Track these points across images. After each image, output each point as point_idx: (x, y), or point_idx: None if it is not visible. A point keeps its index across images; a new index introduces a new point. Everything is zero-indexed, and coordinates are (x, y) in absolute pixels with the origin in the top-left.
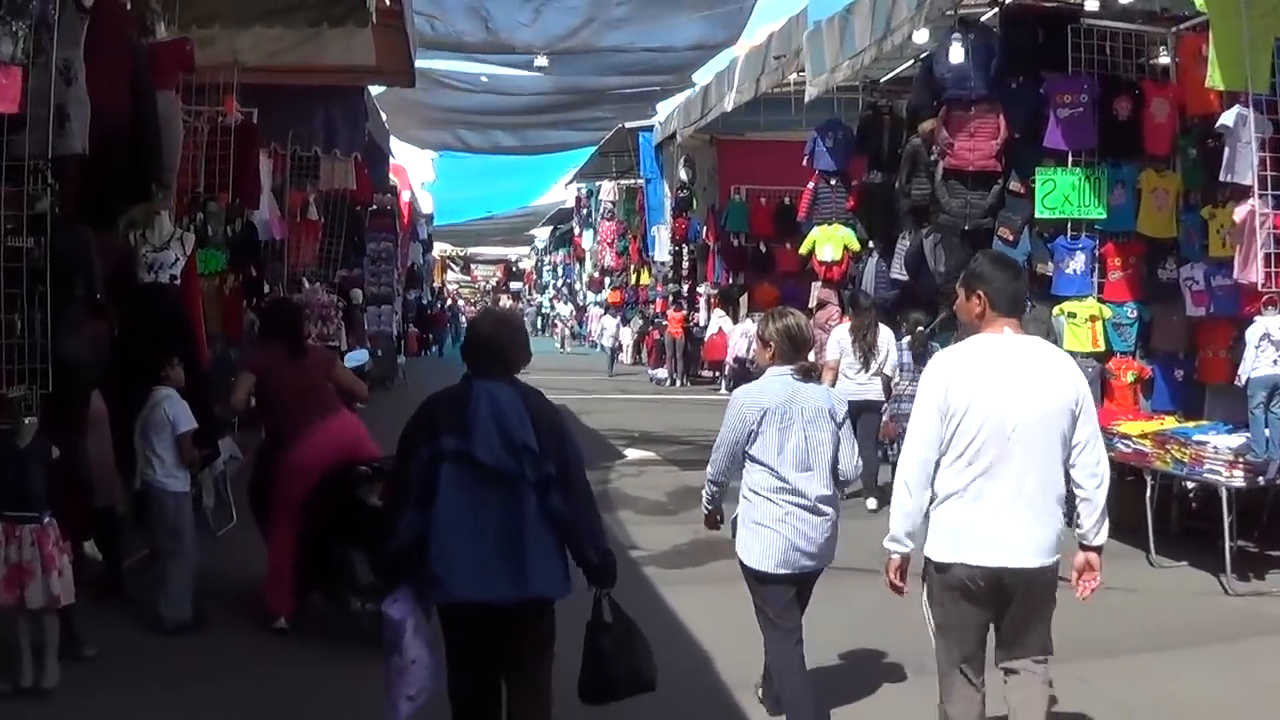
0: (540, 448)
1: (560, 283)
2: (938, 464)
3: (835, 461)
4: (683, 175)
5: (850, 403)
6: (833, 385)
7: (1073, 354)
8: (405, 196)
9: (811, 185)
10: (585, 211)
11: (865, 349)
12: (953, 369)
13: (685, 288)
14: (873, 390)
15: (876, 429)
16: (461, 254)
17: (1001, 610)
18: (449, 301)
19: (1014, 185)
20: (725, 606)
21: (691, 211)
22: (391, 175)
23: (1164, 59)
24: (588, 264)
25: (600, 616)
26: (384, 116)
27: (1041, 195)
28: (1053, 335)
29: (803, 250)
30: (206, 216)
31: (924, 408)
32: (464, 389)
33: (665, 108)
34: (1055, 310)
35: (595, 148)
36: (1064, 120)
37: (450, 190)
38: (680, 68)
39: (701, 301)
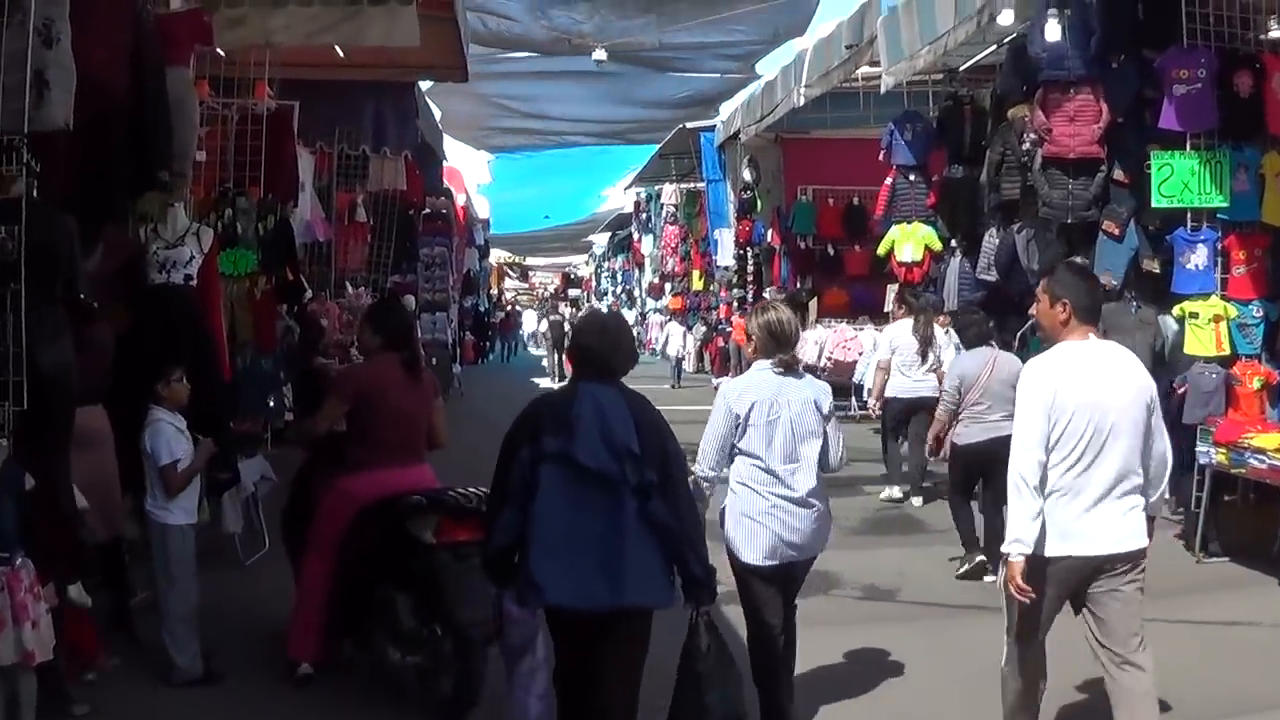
0: (643, 452)
1: (619, 289)
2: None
3: (823, 453)
4: (746, 176)
5: (903, 399)
6: (883, 385)
7: (1195, 359)
8: (460, 200)
9: (889, 181)
10: (645, 216)
11: (923, 345)
12: (1057, 373)
13: (750, 293)
14: (927, 387)
15: (927, 429)
16: (519, 261)
17: (1094, 598)
18: (510, 308)
19: (1118, 174)
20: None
21: (756, 213)
22: (445, 178)
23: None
24: (647, 269)
25: (696, 640)
26: (437, 115)
27: (1158, 182)
28: (1160, 338)
29: (881, 250)
30: (236, 213)
31: (1034, 410)
32: (570, 391)
33: (728, 107)
34: (1176, 310)
35: (656, 148)
36: (1180, 98)
37: (506, 193)
38: (744, 58)
39: (889, 305)
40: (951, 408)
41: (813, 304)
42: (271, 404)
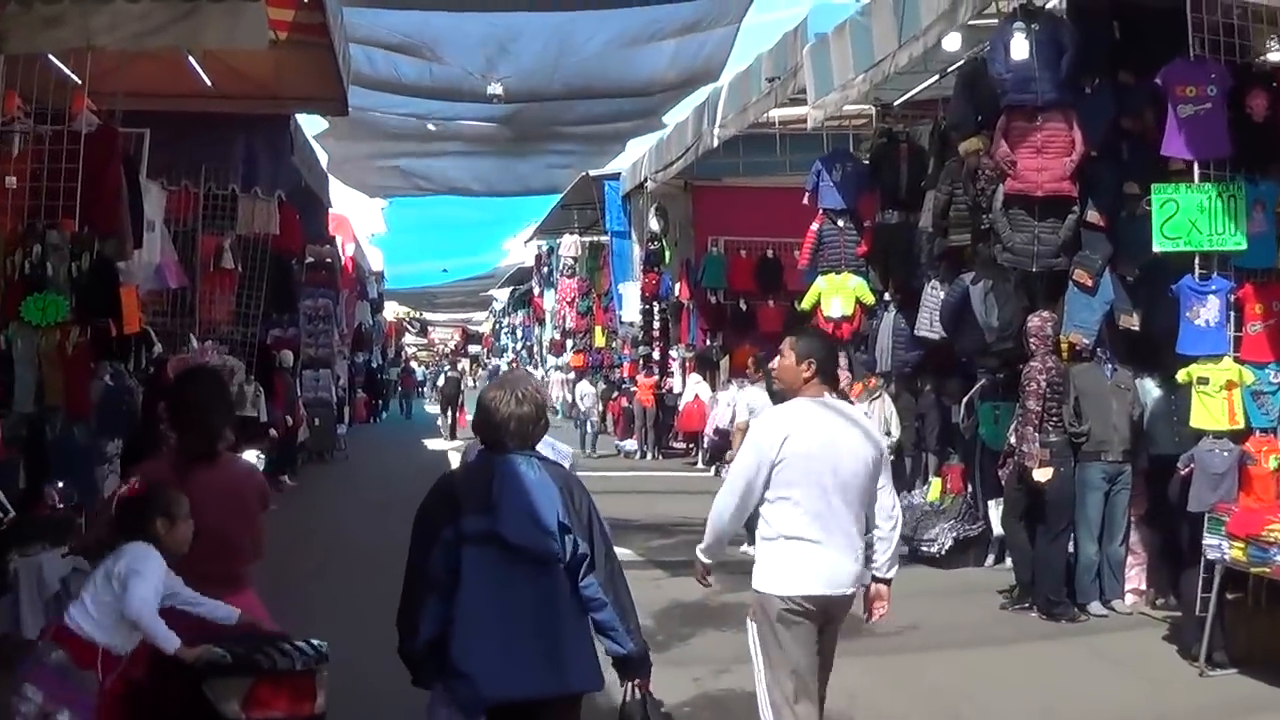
0: (572, 524)
1: (520, 345)
2: (763, 507)
3: None
4: (654, 226)
5: None
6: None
7: (1203, 433)
8: (349, 250)
9: (815, 227)
10: (546, 270)
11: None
12: (790, 424)
13: (656, 350)
14: None
15: None
16: (418, 316)
17: (821, 634)
18: (405, 364)
19: (1092, 215)
20: None
21: (663, 266)
22: (331, 226)
23: None
24: (548, 325)
25: (629, 712)
26: (324, 159)
27: (1160, 221)
28: (1138, 405)
29: (805, 304)
30: (45, 249)
31: (749, 455)
32: (484, 465)
33: (634, 152)
34: (1182, 375)
35: (558, 198)
36: (1187, 121)
37: (402, 244)
38: (651, 111)
39: (675, 365)
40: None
41: (724, 363)
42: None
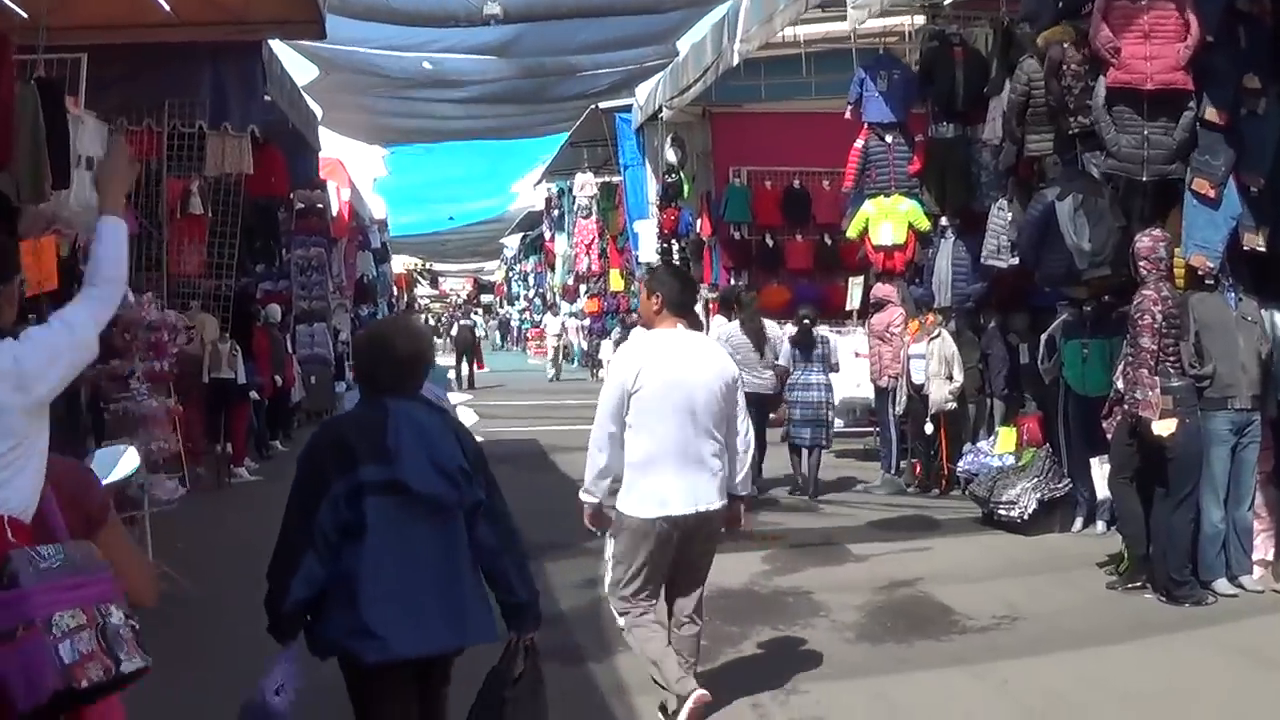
0: (472, 469)
1: (532, 293)
2: (625, 434)
3: None
4: (670, 157)
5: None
6: None
7: None
8: (344, 195)
9: (860, 143)
10: (557, 212)
11: (756, 341)
12: (643, 356)
13: None
14: (768, 385)
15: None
16: (428, 268)
17: (680, 550)
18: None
19: (1210, 113)
20: None
21: (682, 200)
22: (321, 170)
23: None
24: (559, 270)
25: (511, 665)
26: (317, 112)
27: None
28: (1266, 341)
29: (851, 232)
30: None
31: (613, 388)
32: (375, 410)
33: (647, 86)
34: None
35: (565, 136)
36: None
37: (406, 191)
38: (665, 35)
39: (697, 307)
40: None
41: (752, 302)
42: None
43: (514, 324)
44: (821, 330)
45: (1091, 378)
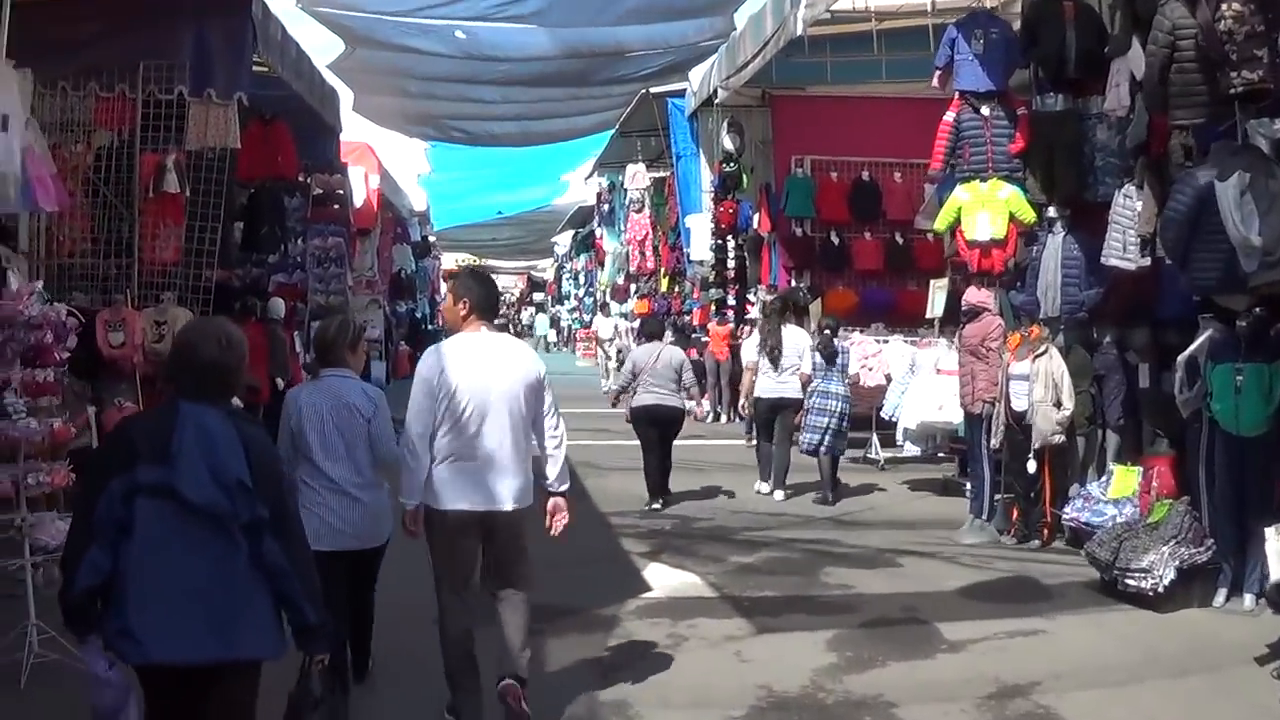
0: (255, 484)
1: (582, 292)
2: (434, 433)
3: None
4: (727, 144)
5: (767, 400)
6: (750, 386)
7: None
8: (373, 183)
9: (950, 116)
10: (607, 207)
11: (770, 350)
12: (448, 358)
13: (731, 294)
14: (790, 389)
15: (792, 426)
16: (479, 264)
17: (489, 545)
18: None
19: None
20: None
21: (740, 193)
22: (343, 154)
23: None
24: (608, 268)
25: (308, 686)
26: (345, 93)
27: None
28: None
29: (940, 224)
30: None
31: (420, 391)
32: (168, 413)
33: (701, 69)
34: None
35: (613, 131)
36: None
37: (452, 183)
38: (720, 3)
39: (754, 311)
40: (625, 382)
41: (815, 307)
42: None
43: (563, 323)
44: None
45: (1247, 412)
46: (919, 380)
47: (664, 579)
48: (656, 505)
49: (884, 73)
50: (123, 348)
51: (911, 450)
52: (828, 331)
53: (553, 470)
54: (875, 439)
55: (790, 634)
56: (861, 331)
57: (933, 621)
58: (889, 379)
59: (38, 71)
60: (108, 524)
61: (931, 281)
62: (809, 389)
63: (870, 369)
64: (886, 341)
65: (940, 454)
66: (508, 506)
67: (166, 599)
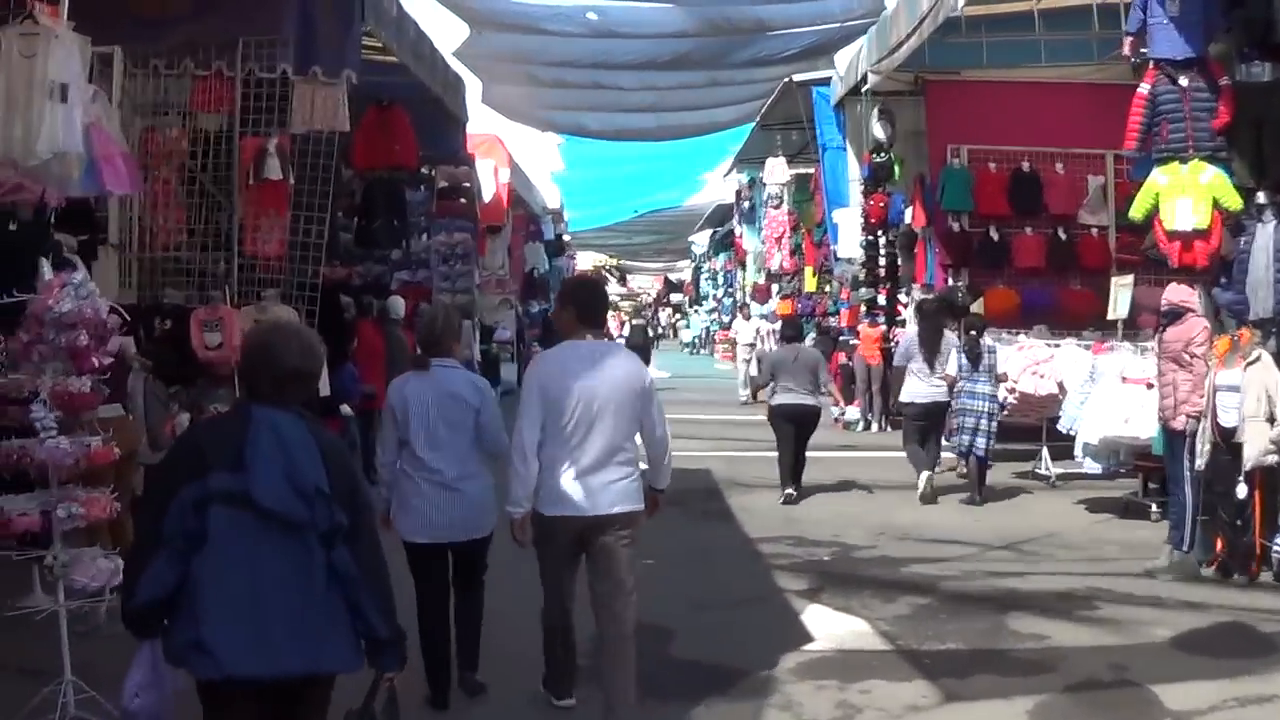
0: (333, 491)
1: (721, 293)
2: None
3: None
4: (878, 133)
5: (921, 403)
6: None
7: None
8: (503, 176)
9: (1145, 88)
10: (747, 205)
11: (930, 351)
12: (555, 365)
13: (882, 294)
14: (941, 392)
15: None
16: (616, 265)
17: (591, 550)
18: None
19: None
20: None
21: (891, 184)
22: (471, 147)
23: None
24: (749, 268)
25: (370, 706)
26: (473, 83)
27: None
28: None
29: (1136, 212)
30: None
31: (528, 398)
32: (240, 416)
33: (848, 52)
34: None
35: (753, 124)
36: None
37: (586, 181)
38: None
39: (907, 312)
40: (765, 381)
41: (977, 307)
42: None
43: (701, 326)
44: (986, 340)
45: None
46: (1101, 390)
47: (828, 626)
48: (791, 491)
49: (1043, 55)
50: (220, 349)
51: (1092, 468)
52: (973, 333)
53: (655, 473)
54: (1046, 453)
55: (984, 703)
56: (1027, 334)
57: (1147, 684)
58: (1061, 387)
59: (127, 48)
60: (177, 534)
61: (1113, 279)
62: (955, 390)
63: (1041, 376)
64: (1057, 346)
65: (1120, 470)
66: (610, 511)
67: (243, 611)
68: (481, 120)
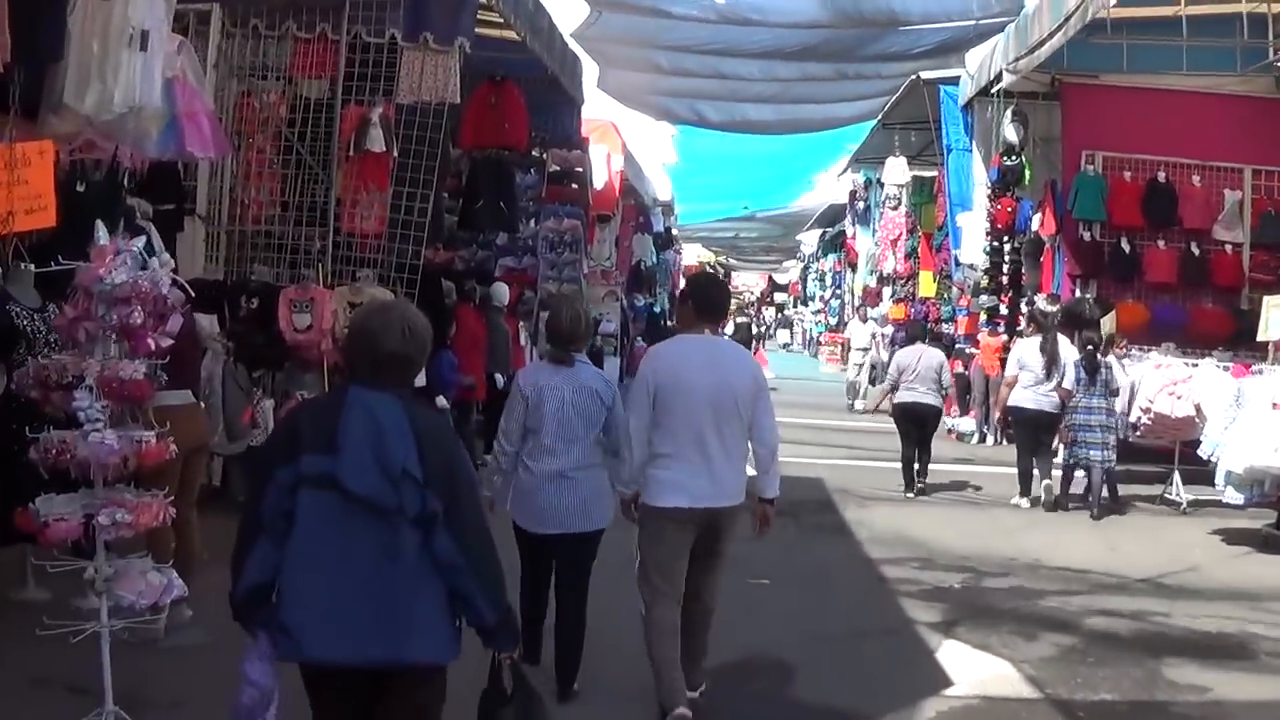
0: (425, 475)
1: (829, 294)
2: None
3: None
4: (1010, 135)
5: (1030, 411)
6: (1006, 397)
7: None
8: (616, 164)
9: None
10: (862, 205)
11: (1049, 363)
12: (672, 357)
13: (1004, 302)
14: (1049, 402)
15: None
16: (722, 262)
17: (700, 541)
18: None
19: None
20: None
21: (1021, 189)
22: (584, 130)
23: None
24: (860, 270)
25: (499, 684)
26: (590, 66)
27: None
28: None
29: None
30: None
31: (640, 387)
32: (336, 399)
33: (980, 51)
34: None
35: (875, 122)
36: None
37: (697, 175)
38: None
39: (1024, 322)
40: (892, 383)
41: (1109, 321)
42: None
43: (806, 326)
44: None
45: None
46: (1249, 415)
47: (967, 668)
48: (911, 495)
49: (1185, 63)
50: (309, 331)
51: (1233, 498)
52: (1091, 347)
53: (763, 476)
54: (1178, 478)
55: None
56: (1164, 352)
57: None
58: (1199, 410)
59: (226, 6)
60: (277, 516)
61: (1266, 299)
62: (1070, 404)
63: (1179, 397)
64: (1195, 366)
65: (1256, 501)
66: (720, 504)
67: (324, 596)
68: (595, 106)
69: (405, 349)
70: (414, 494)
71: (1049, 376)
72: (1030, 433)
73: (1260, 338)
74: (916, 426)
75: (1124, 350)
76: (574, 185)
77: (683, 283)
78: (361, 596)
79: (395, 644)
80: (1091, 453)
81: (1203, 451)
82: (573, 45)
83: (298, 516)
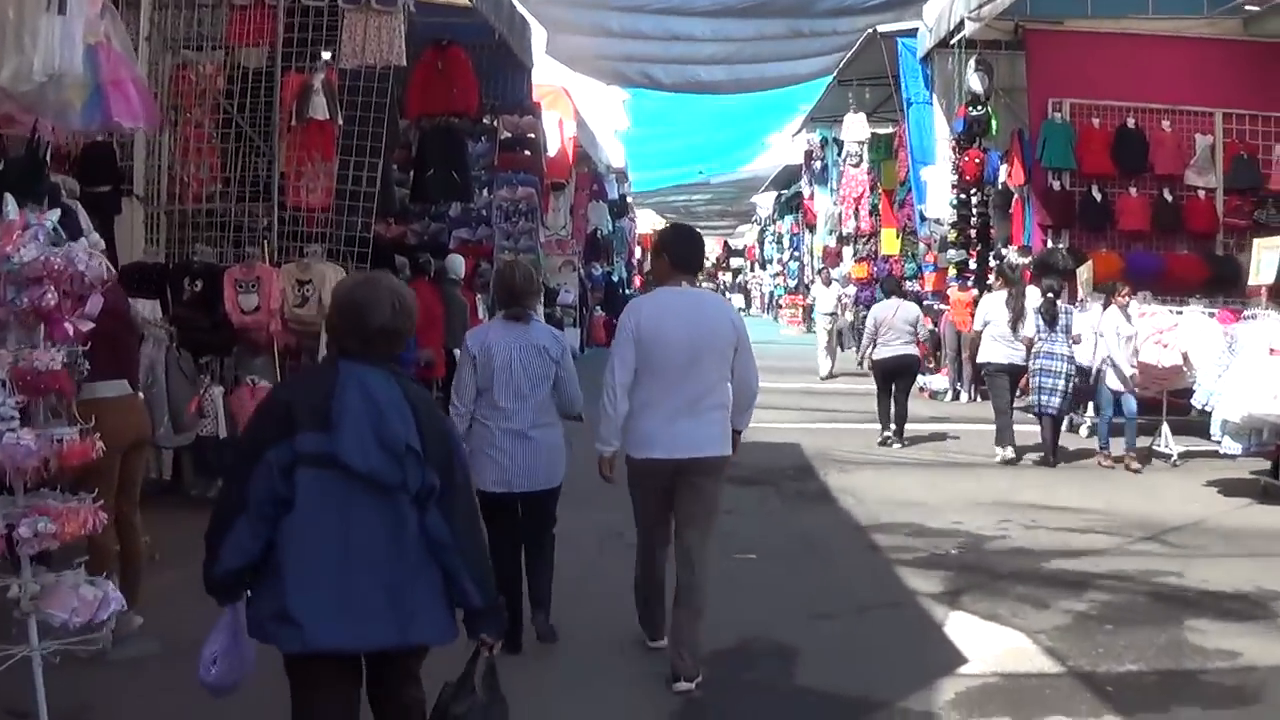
0: (424, 449)
1: (786, 256)
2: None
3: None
4: (975, 85)
5: (1000, 364)
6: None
7: None
8: (569, 130)
9: None
10: (819, 164)
11: (1015, 317)
12: (650, 310)
13: (973, 256)
14: (1020, 355)
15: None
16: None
17: (680, 491)
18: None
19: None
20: None
21: (987, 140)
22: (535, 95)
23: None
24: (820, 230)
25: (469, 678)
26: (538, 31)
27: None
28: None
29: None
30: None
31: (622, 341)
32: (327, 375)
33: (936, 4)
34: None
35: (830, 79)
36: None
37: (650, 140)
38: None
39: (992, 275)
40: (870, 339)
41: (1084, 271)
42: None
43: (764, 290)
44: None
45: None
46: (1244, 362)
47: (980, 641)
48: (888, 434)
49: (1150, 6)
50: (256, 313)
51: (1231, 448)
52: (1050, 295)
53: (738, 414)
54: (1166, 429)
55: None
56: (1147, 300)
57: None
58: (1186, 358)
59: None
60: (264, 501)
61: (1256, 241)
62: (1032, 352)
63: (1165, 345)
64: (1180, 313)
65: (1254, 450)
66: (705, 453)
67: (330, 580)
68: (545, 73)
69: (395, 322)
70: (416, 469)
71: (1015, 331)
72: (1005, 385)
73: (1252, 282)
74: (898, 378)
75: (1126, 298)
76: (527, 152)
77: (649, 244)
78: (366, 579)
79: (400, 627)
80: (1043, 399)
81: (1196, 401)
82: (520, 9)
83: (297, 498)
